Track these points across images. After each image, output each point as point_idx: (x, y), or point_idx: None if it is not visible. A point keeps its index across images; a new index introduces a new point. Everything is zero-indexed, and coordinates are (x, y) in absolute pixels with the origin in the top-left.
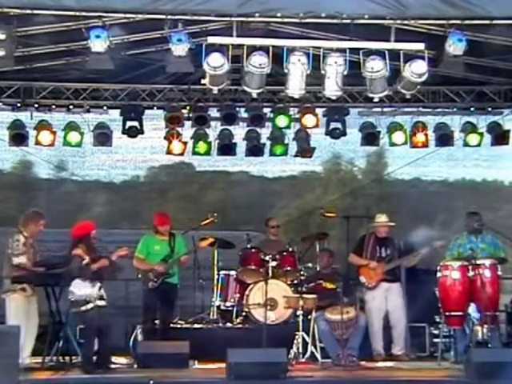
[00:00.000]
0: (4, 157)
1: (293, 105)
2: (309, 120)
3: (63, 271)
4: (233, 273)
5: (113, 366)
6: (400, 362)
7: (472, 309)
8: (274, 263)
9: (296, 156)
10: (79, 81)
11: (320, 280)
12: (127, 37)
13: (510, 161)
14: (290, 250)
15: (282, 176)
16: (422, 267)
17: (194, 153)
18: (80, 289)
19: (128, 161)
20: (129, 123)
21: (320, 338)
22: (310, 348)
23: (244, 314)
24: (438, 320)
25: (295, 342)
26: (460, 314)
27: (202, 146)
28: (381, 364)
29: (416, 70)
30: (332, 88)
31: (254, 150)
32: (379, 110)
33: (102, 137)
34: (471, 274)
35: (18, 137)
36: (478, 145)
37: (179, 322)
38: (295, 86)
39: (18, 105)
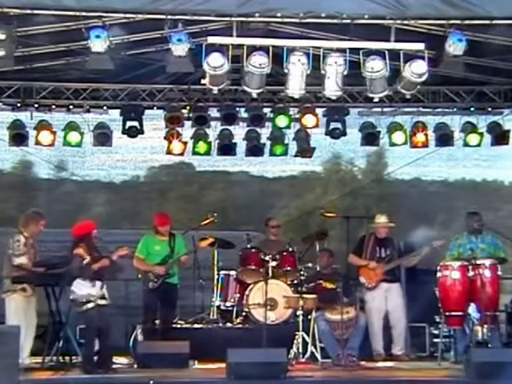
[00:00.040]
0: (4, 157)
1: (293, 105)
2: (309, 120)
3: (63, 271)
4: (233, 273)
5: (113, 365)
6: (400, 362)
7: (472, 309)
8: (273, 263)
9: (296, 156)
10: (79, 81)
11: (320, 280)
12: (127, 37)
13: (510, 161)
14: (290, 249)
15: (282, 176)
16: (422, 267)
17: (194, 153)
18: (81, 288)
19: (128, 161)
20: (129, 123)
21: (320, 338)
22: (310, 348)
23: (244, 314)
24: (438, 320)
25: (295, 341)
26: (460, 313)
27: (201, 146)
28: (381, 364)
29: (416, 70)
30: (332, 88)
31: (254, 150)
32: (379, 109)
33: (102, 137)
34: (471, 273)
35: (18, 137)
36: (478, 145)
37: (179, 321)
38: (295, 85)
39: (18, 105)
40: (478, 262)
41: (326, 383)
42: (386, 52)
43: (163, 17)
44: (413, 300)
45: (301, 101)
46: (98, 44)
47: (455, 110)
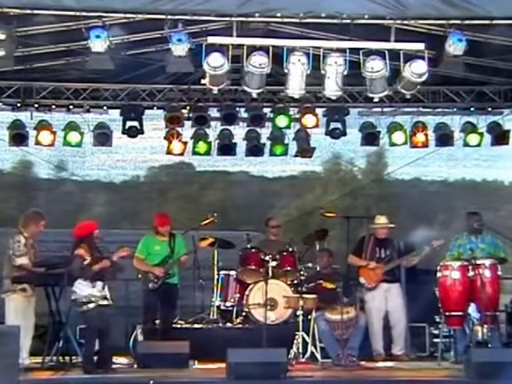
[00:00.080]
0: (4, 157)
1: (293, 105)
2: (309, 120)
3: (64, 271)
4: (233, 273)
5: (113, 365)
6: (400, 362)
7: (472, 309)
8: (273, 263)
9: (296, 156)
10: (79, 81)
11: (320, 280)
12: (127, 37)
13: (510, 161)
14: (290, 249)
15: (282, 176)
16: (422, 267)
17: (194, 153)
18: (82, 289)
19: (128, 161)
20: (129, 123)
21: (320, 338)
22: (310, 348)
23: (244, 314)
24: (438, 320)
25: (295, 341)
26: (460, 313)
27: (201, 146)
28: (381, 364)
29: (416, 70)
30: (332, 88)
31: (254, 150)
32: (379, 109)
33: (102, 137)
34: (471, 274)
35: (18, 137)
36: (478, 145)
37: (179, 321)
38: (295, 85)
39: (18, 105)
40: (478, 262)
41: (325, 383)
42: (386, 52)
43: (163, 17)
44: (413, 300)
45: (301, 101)
46: (98, 44)
47: (455, 109)
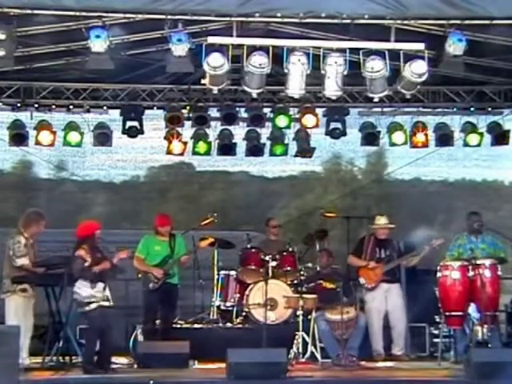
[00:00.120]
0: (4, 157)
1: (293, 105)
2: (309, 120)
3: (64, 271)
4: (233, 273)
5: (113, 366)
6: (400, 362)
7: (472, 309)
8: (274, 263)
9: (296, 156)
10: (79, 81)
11: (320, 280)
12: (127, 37)
13: (510, 161)
14: (290, 250)
15: (282, 176)
16: (422, 267)
17: (194, 153)
18: (83, 289)
19: (128, 161)
20: (129, 123)
21: (320, 338)
22: (310, 348)
23: (244, 314)
24: (438, 320)
25: (295, 341)
26: (460, 314)
27: (201, 146)
28: (381, 364)
29: (416, 70)
30: (332, 88)
31: (254, 150)
32: (379, 109)
33: (102, 137)
34: (471, 274)
35: (18, 137)
36: (478, 145)
37: (179, 321)
38: (295, 85)
39: (18, 105)
40: (478, 262)
41: (325, 383)
42: (386, 52)
43: (163, 17)
44: (413, 300)
45: (301, 101)
46: (97, 44)
47: (455, 109)
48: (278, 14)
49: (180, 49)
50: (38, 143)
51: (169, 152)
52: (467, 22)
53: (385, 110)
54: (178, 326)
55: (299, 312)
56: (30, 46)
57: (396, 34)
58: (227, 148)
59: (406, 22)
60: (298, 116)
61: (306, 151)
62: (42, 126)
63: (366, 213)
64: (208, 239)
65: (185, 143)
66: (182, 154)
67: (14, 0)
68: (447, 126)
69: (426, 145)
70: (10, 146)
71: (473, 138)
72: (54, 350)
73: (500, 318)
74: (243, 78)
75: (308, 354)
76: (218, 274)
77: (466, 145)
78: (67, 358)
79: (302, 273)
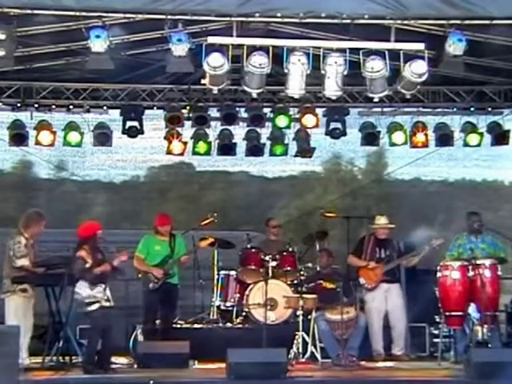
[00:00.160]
0: (4, 157)
1: (293, 105)
2: (309, 120)
3: (64, 271)
4: (233, 273)
5: (113, 365)
6: (400, 362)
7: (472, 309)
8: (274, 263)
9: (296, 156)
10: (79, 81)
11: (320, 280)
12: (127, 37)
13: (510, 161)
14: (290, 250)
15: (282, 176)
16: (422, 267)
17: (194, 153)
18: (85, 290)
19: (128, 161)
20: (129, 123)
21: (320, 338)
22: (310, 348)
23: (244, 314)
24: (438, 320)
25: (295, 341)
26: (460, 314)
27: (202, 146)
28: (381, 364)
29: (416, 70)
30: (332, 88)
31: (254, 150)
32: (379, 109)
33: (102, 137)
34: (471, 273)
35: (18, 137)
36: (478, 145)
37: (179, 321)
38: (295, 85)
39: (18, 105)
40: (478, 262)
41: (325, 383)
42: (386, 52)
43: (163, 17)
44: (413, 300)
45: (301, 101)
46: (97, 44)
47: (455, 109)
48: (278, 14)
49: (180, 49)
50: (37, 143)
51: (169, 152)
52: (467, 22)
53: (385, 110)
54: (178, 325)
55: (299, 312)
56: (30, 45)
57: (396, 34)
58: (227, 148)
59: (406, 22)
60: (298, 116)
61: (306, 151)
62: (42, 125)
63: (366, 213)
64: (208, 239)
65: (185, 143)
66: (182, 154)
67: (14, 0)
68: (447, 126)
69: (426, 145)
70: (9, 146)
71: (473, 138)
72: (54, 350)
73: (500, 318)
74: (243, 78)
75: (308, 354)
76: (218, 274)
77: (466, 145)
78: (67, 357)
79: (302, 273)
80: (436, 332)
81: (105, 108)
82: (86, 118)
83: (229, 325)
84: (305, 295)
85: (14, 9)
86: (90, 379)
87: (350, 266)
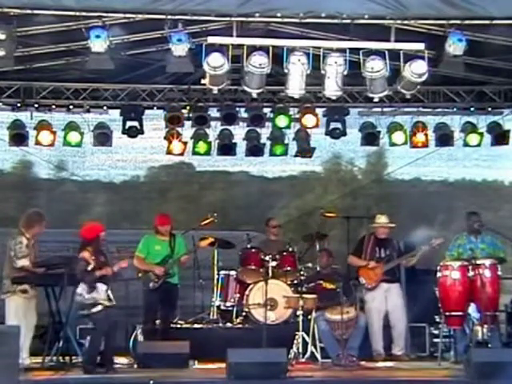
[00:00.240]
0: (4, 157)
1: (293, 105)
2: (309, 120)
3: (64, 271)
4: (233, 273)
5: (113, 365)
6: (400, 362)
7: (472, 309)
8: (274, 263)
9: (296, 156)
10: (79, 81)
11: (320, 280)
12: (127, 37)
13: (510, 161)
14: (290, 250)
15: (282, 176)
16: (422, 267)
17: (194, 153)
18: (88, 291)
19: (128, 161)
20: (129, 123)
21: (320, 338)
22: (310, 348)
23: (244, 314)
24: (438, 320)
25: (295, 341)
26: (460, 314)
27: (202, 146)
28: (381, 364)
29: (416, 70)
30: (332, 88)
31: (254, 150)
32: (379, 109)
33: (102, 137)
34: (471, 274)
35: (18, 137)
36: (478, 145)
37: (179, 321)
38: (295, 85)
39: (18, 105)
40: (478, 262)
41: (325, 383)
42: (386, 52)
43: (163, 17)
44: (413, 300)
45: (301, 101)
46: (97, 44)
47: (455, 109)
48: (278, 14)
49: (180, 49)
50: (37, 143)
51: (169, 152)
52: (467, 21)
53: (385, 110)
54: (178, 325)
55: (299, 312)
56: (30, 45)
57: (396, 33)
58: (227, 148)
59: (406, 21)
60: (298, 116)
61: (306, 151)
62: (42, 126)
63: (366, 213)
64: (208, 239)
65: (185, 143)
66: (182, 154)
67: (14, 0)
68: (447, 126)
69: (426, 145)
70: (9, 146)
71: (473, 138)
72: (54, 350)
73: (500, 318)
74: (243, 78)
75: (308, 354)
76: (218, 274)
77: (466, 145)
78: (67, 358)
79: (302, 273)
80: (436, 332)
81: (105, 108)
82: (86, 118)
83: (229, 325)
84: (305, 295)
85: (14, 9)
86: (90, 379)
87: (350, 266)
